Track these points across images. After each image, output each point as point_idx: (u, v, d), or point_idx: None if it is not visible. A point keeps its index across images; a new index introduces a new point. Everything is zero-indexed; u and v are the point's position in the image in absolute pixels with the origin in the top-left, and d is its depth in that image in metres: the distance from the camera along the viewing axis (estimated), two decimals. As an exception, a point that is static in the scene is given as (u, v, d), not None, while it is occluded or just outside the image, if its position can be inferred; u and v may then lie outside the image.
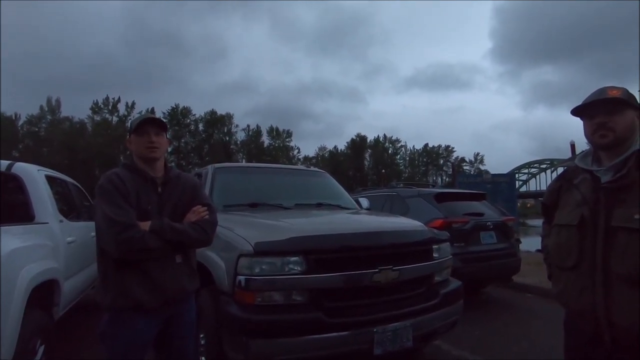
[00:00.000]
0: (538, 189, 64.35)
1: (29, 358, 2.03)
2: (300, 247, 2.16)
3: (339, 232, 2.34)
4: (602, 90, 1.32)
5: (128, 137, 1.72)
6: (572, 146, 9.70)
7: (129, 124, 1.82)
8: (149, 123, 1.66)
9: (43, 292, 2.27)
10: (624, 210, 1.19)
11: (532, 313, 4.54)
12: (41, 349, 2.18)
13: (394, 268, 2.31)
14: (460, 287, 2.80)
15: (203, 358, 2.43)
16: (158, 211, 1.59)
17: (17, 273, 1.89)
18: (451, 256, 2.87)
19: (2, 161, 2.80)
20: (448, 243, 2.87)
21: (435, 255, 2.66)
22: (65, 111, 54.44)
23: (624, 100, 1.26)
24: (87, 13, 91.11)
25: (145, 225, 1.50)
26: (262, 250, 2.13)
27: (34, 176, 2.80)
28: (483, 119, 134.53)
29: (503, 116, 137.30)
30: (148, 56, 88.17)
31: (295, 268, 2.14)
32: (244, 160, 55.89)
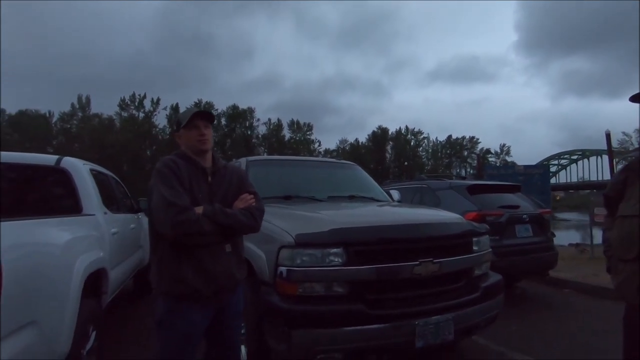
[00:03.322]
0: (568, 180, 61.92)
1: (84, 343, 2.13)
2: (341, 238, 2.16)
3: (379, 224, 2.33)
4: None
5: (177, 131, 1.75)
6: (608, 136, 9.23)
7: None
8: (199, 116, 1.69)
9: (94, 281, 2.37)
10: None
11: (571, 309, 4.39)
12: (93, 334, 2.28)
13: (435, 261, 2.28)
14: (500, 280, 2.74)
15: (243, 347, 2.49)
16: (208, 199, 1.63)
17: (73, 262, 1.98)
18: (490, 249, 2.80)
19: (51, 156, 2.93)
20: (487, 236, 2.81)
21: (475, 248, 2.60)
22: (94, 108, 56.58)
23: None
24: (119, 13, 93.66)
25: (198, 210, 1.53)
26: (304, 242, 2.14)
27: (81, 170, 2.91)
28: (509, 110, 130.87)
29: (530, 107, 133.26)
30: (175, 55, 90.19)
31: (336, 260, 2.15)
32: (265, 154, 56.41)
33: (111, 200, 3.67)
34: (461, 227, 2.64)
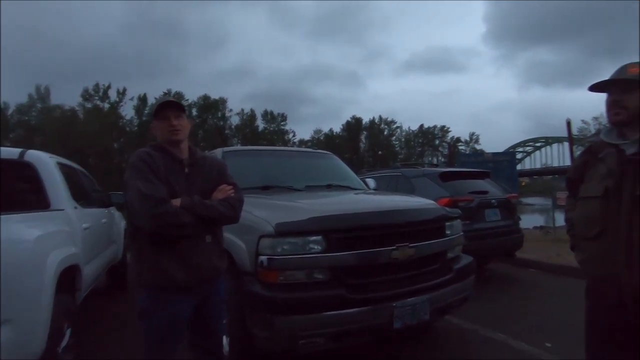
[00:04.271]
0: (533, 167, 64.91)
1: (59, 340, 2.07)
2: (320, 226, 2.20)
3: (357, 212, 2.38)
4: (623, 68, 1.37)
5: (152, 123, 1.73)
6: (568, 124, 9.76)
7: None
8: (167, 107, 1.66)
9: (67, 277, 2.30)
10: None
11: (536, 287, 4.67)
12: (69, 332, 2.22)
13: (411, 245, 2.37)
14: (472, 262, 2.88)
15: (225, 337, 2.50)
16: (186, 191, 1.61)
17: (45, 258, 1.91)
18: (462, 233, 2.93)
19: (13, 149, 2.78)
20: (459, 220, 2.93)
21: (448, 232, 2.72)
22: (55, 99, 53.42)
23: (631, 81, 1.30)
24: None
25: (177, 202, 1.52)
26: (283, 231, 2.16)
27: (47, 163, 2.78)
28: (479, 100, 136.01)
29: (498, 97, 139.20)
30: (143, 43, 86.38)
31: (316, 247, 2.18)
32: (239, 145, 55.60)
33: (81, 195, 3.53)
34: (435, 212, 2.74)
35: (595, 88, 1.42)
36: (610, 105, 1.37)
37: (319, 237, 2.18)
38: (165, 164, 1.62)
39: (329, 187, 3.52)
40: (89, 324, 3.49)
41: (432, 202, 2.96)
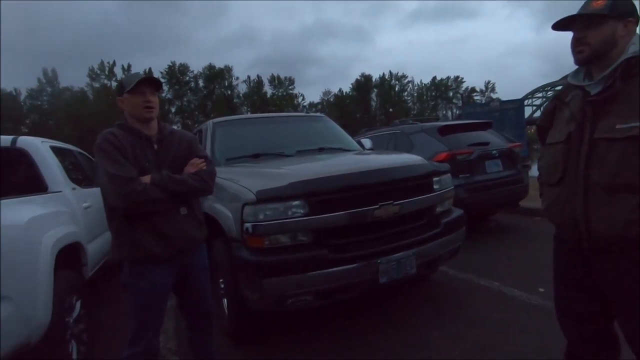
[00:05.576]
0: (552, 112, 62.19)
1: (69, 312, 2.25)
2: (300, 191, 2.23)
3: (336, 174, 2.39)
4: (587, 2, 1.27)
5: (120, 95, 1.72)
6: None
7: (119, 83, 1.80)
8: (145, 83, 1.65)
9: (70, 255, 2.45)
10: (607, 122, 1.19)
11: (539, 235, 4.66)
12: (78, 303, 2.40)
13: (394, 203, 2.39)
14: (461, 215, 2.88)
15: (225, 300, 2.65)
16: (156, 168, 1.65)
17: (39, 239, 2.02)
18: (452, 187, 2.91)
19: (5, 137, 2.86)
20: (449, 174, 2.91)
21: (435, 187, 2.71)
22: (63, 81, 53.68)
23: (593, 15, 1.21)
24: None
25: (146, 179, 1.56)
26: (264, 198, 2.21)
27: (39, 147, 2.87)
28: (493, 46, 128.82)
29: (514, 41, 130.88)
30: (143, 16, 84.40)
31: (298, 211, 2.23)
32: (249, 113, 55.21)
33: (80, 175, 3.66)
34: (421, 168, 2.71)
35: (558, 26, 1.33)
36: (574, 43, 1.29)
37: (299, 202, 2.22)
38: (132, 142, 1.64)
39: (321, 150, 3.52)
40: (110, 297, 3.72)
41: (419, 158, 2.93)
